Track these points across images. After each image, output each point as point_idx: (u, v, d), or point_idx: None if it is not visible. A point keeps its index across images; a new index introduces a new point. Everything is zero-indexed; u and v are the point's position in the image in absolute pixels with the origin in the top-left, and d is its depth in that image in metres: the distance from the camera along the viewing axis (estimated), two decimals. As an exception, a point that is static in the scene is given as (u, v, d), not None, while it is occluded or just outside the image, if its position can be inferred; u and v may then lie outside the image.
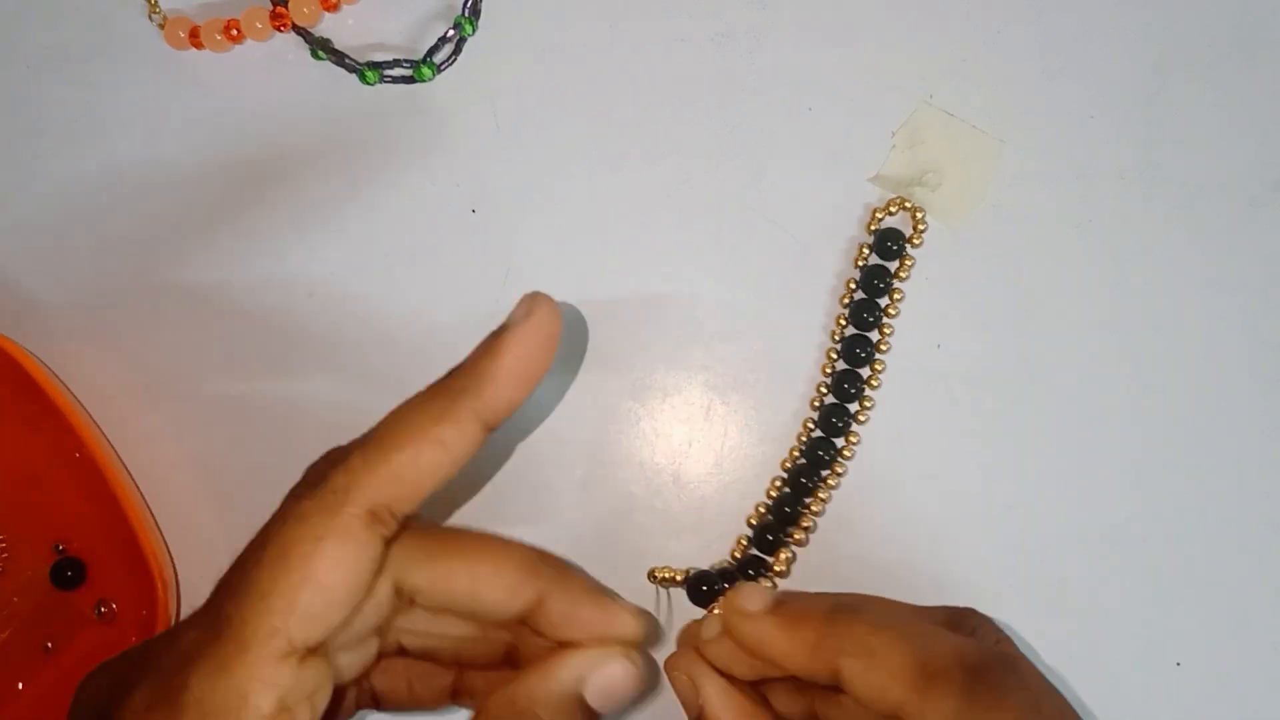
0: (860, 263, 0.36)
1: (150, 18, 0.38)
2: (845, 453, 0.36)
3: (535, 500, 0.37)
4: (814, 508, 0.36)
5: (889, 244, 0.36)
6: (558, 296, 0.37)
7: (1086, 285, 0.36)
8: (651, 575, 0.36)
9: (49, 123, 0.38)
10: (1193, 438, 0.36)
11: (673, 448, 0.37)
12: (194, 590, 0.37)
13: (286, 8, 0.37)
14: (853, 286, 0.36)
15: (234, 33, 0.37)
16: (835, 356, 0.36)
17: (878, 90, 0.37)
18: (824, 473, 0.36)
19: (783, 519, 0.36)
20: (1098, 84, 0.36)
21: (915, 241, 0.36)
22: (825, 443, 0.36)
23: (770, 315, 0.37)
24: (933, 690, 0.25)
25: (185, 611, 0.37)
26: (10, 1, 0.38)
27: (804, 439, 0.36)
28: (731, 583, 0.36)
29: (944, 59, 0.37)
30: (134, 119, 0.38)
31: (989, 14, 0.37)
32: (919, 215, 0.36)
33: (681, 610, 0.36)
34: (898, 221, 0.37)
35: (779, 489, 0.36)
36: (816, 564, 0.36)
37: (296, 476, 0.37)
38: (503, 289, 0.37)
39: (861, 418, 0.36)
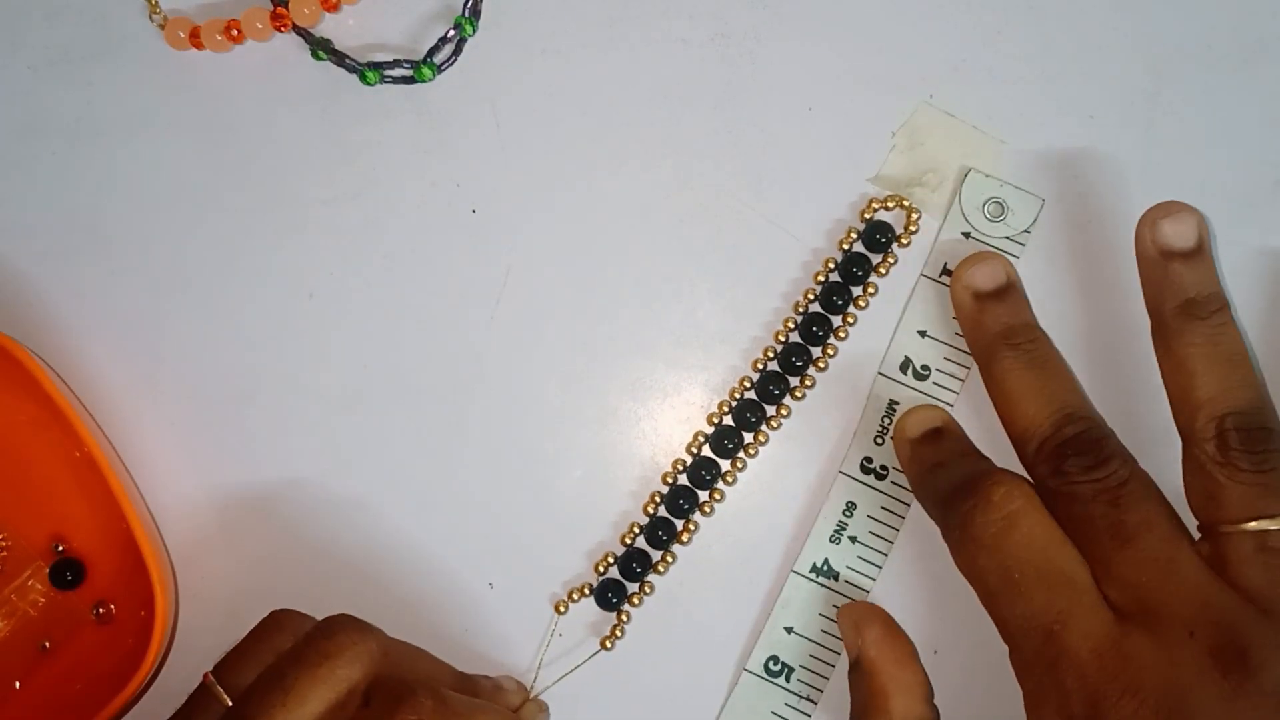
0: (844, 246, 0.36)
1: (150, 18, 0.38)
2: (773, 423, 0.36)
3: (535, 500, 0.37)
4: (728, 479, 0.36)
5: (878, 236, 0.36)
6: (557, 297, 0.37)
7: (1086, 285, 0.36)
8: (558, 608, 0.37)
9: (49, 123, 0.38)
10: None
11: (673, 448, 0.37)
12: (193, 593, 0.37)
13: (287, 8, 0.37)
14: (830, 267, 0.36)
15: (234, 33, 0.37)
16: (792, 328, 0.36)
17: (878, 90, 0.37)
18: (746, 438, 0.36)
19: (697, 482, 0.36)
20: (1097, 84, 0.37)
21: (904, 241, 0.36)
22: (756, 407, 0.36)
23: (770, 315, 0.37)
24: None
25: (185, 615, 0.37)
26: (10, 1, 0.38)
27: (736, 396, 0.37)
28: (631, 573, 0.36)
29: (944, 59, 0.37)
30: (134, 119, 0.38)
31: (989, 14, 0.37)
32: (914, 217, 0.36)
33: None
34: (893, 219, 0.37)
35: (699, 445, 0.37)
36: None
37: (296, 479, 0.37)
38: (503, 289, 0.37)
39: (798, 394, 0.36)
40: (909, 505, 0.36)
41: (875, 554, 0.36)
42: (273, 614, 0.33)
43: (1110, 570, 0.31)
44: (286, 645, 0.31)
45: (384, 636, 0.32)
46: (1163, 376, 0.33)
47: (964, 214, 0.36)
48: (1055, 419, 0.32)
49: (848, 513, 0.36)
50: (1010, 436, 0.34)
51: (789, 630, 0.36)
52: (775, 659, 0.36)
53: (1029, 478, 0.33)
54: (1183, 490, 0.32)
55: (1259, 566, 0.30)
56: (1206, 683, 0.29)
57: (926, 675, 0.34)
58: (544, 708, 0.36)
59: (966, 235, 0.36)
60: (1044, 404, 0.33)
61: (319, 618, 0.37)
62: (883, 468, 0.36)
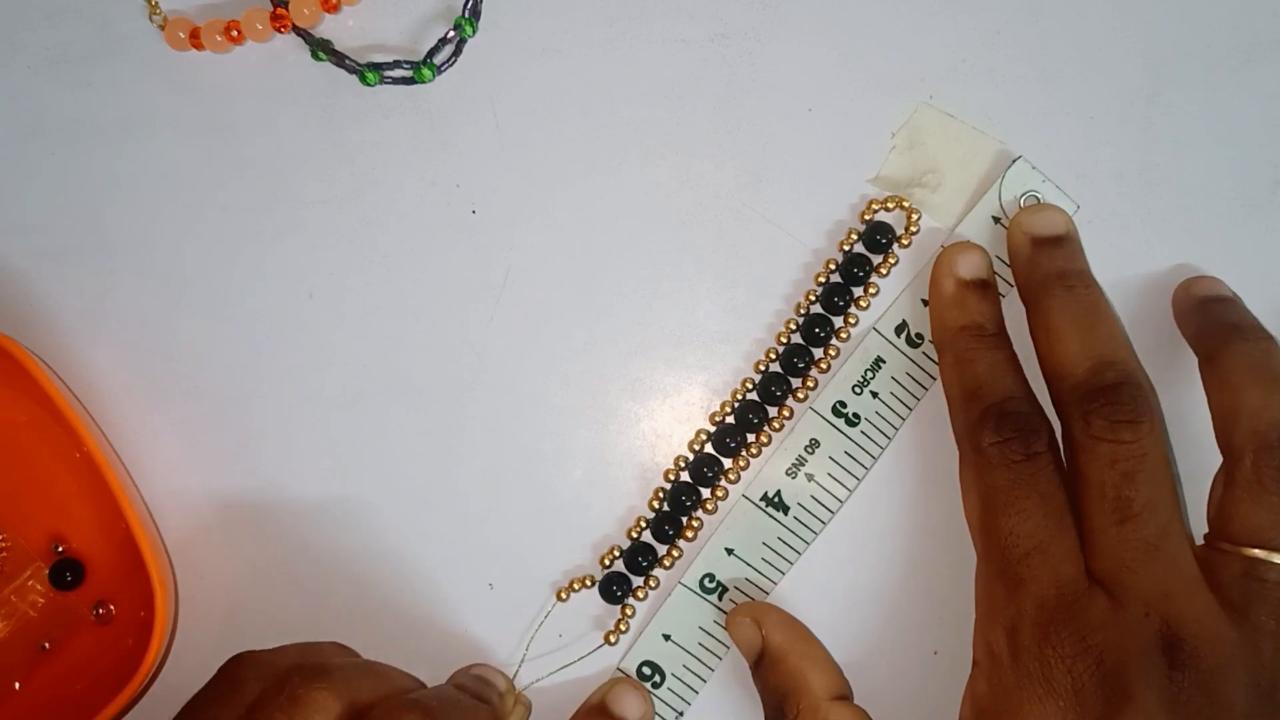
0: (845, 247, 0.36)
1: (150, 18, 0.38)
2: (775, 424, 0.36)
3: (535, 500, 0.37)
4: (730, 476, 0.36)
5: (878, 237, 0.36)
6: (557, 297, 0.37)
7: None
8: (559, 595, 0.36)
9: (49, 123, 0.38)
10: (1189, 439, 0.36)
11: (673, 448, 0.37)
12: (192, 593, 0.37)
13: (287, 9, 0.37)
14: (831, 268, 0.36)
15: (234, 34, 0.37)
16: (794, 329, 0.36)
17: (878, 90, 0.37)
18: (749, 438, 0.36)
19: (699, 479, 0.36)
20: (1097, 85, 0.37)
21: (904, 242, 0.36)
22: (758, 407, 0.36)
23: (770, 315, 0.37)
24: None
25: (185, 615, 0.37)
26: (10, 1, 0.38)
27: (738, 397, 0.37)
28: (637, 566, 0.36)
29: (944, 59, 0.37)
30: (134, 119, 0.38)
31: (988, 14, 0.37)
32: (914, 218, 0.36)
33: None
34: (893, 219, 0.37)
35: (701, 442, 0.37)
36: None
37: (295, 478, 0.37)
38: (503, 289, 0.37)
39: (800, 395, 0.36)
40: (875, 458, 0.36)
41: (830, 498, 0.36)
42: (231, 662, 0.32)
43: (1099, 539, 0.32)
44: (251, 696, 0.30)
45: (344, 673, 0.31)
46: (1208, 394, 0.33)
47: (1001, 200, 0.36)
48: (1094, 363, 0.32)
49: (810, 449, 0.36)
50: (1045, 373, 0.34)
51: (729, 551, 0.36)
52: (711, 577, 0.36)
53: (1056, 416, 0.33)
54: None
55: (1239, 587, 0.31)
56: (1149, 659, 0.30)
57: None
58: (527, 704, 0.36)
59: (996, 220, 0.36)
60: (1086, 345, 0.33)
61: (319, 617, 0.37)
62: (855, 415, 0.36)
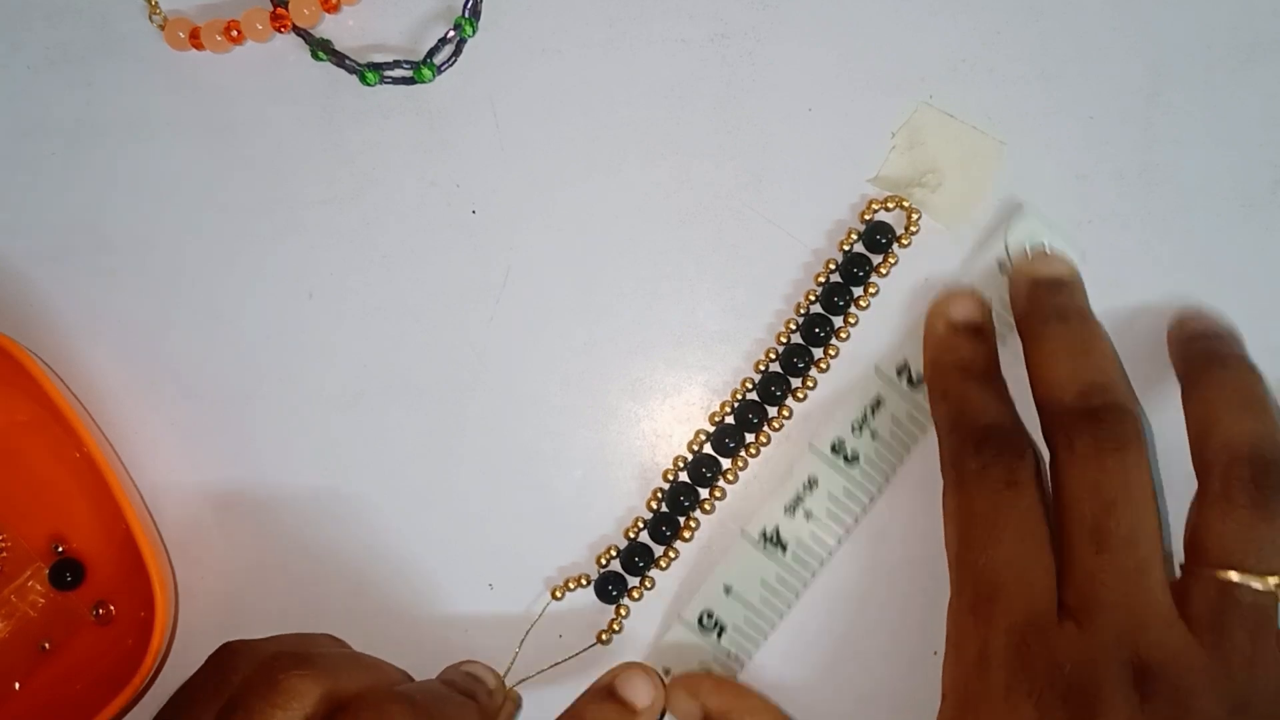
0: (845, 247, 0.36)
1: (150, 18, 0.38)
2: (774, 424, 0.36)
3: (535, 500, 0.37)
4: (729, 476, 0.36)
5: (878, 236, 0.36)
6: (557, 297, 0.37)
7: (1086, 286, 0.36)
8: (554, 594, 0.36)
9: (49, 123, 0.38)
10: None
11: (672, 448, 0.37)
12: (192, 594, 0.37)
13: (287, 9, 0.37)
14: (831, 268, 0.36)
15: (234, 34, 0.37)
16: (794, 328, 0.36)
17: (878, 90, 0.37)
18: (748, 438, 0.36)
19: (698, 479, 0.36)
20: (1097, 85, 0.37)
21: (904, 242, 0.36)
22: (758, 407, 0.36)
23: (770, 315, 0.37)
24: None
25: (185, 615, 0.37)
26: (10, 1, 0.38)
27: (738, 397, 0.37)
28: (634, 569, 0.36)
29: (944, 59, 0.37)
30: (134, 119, 0.38)
31: (988, 14, 0.37)
32: (914, 218, 0.36)
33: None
34: (893, 219, 0.37)
35: (700, 443, 0.37)
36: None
37: (295, 479, 0.37)
38: (503, 289, 0.37)
39: (800, 395, 0.36)
40: (871, 501, 0.36)
41: (829, 533, 0.36)
42: (220, 650, 0.32)
43: (1075, 567, 0.31)
44: (237, 683, 0.30)
45: (328, 661, 0.31)
46: (1186, 421, 0.33)
47: (1007, 247, 0.36)
48: (1084, 387, 0.32)
49: (808, 487, 0.36)
50: (1035, 400, 0.33)
51: (728, 590, 0.36)
52: (709, 614, 0.36)
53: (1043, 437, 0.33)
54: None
55: (1213, 611, 0.30)
56: (1119, 690, 0.29)
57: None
58: (517, 700, 0.36)
59: (1001, 268, 0.36)
60: (1077, 371, 0.32)
61: (319, 617, 0.37)
62: (853, 453, 0.36)
